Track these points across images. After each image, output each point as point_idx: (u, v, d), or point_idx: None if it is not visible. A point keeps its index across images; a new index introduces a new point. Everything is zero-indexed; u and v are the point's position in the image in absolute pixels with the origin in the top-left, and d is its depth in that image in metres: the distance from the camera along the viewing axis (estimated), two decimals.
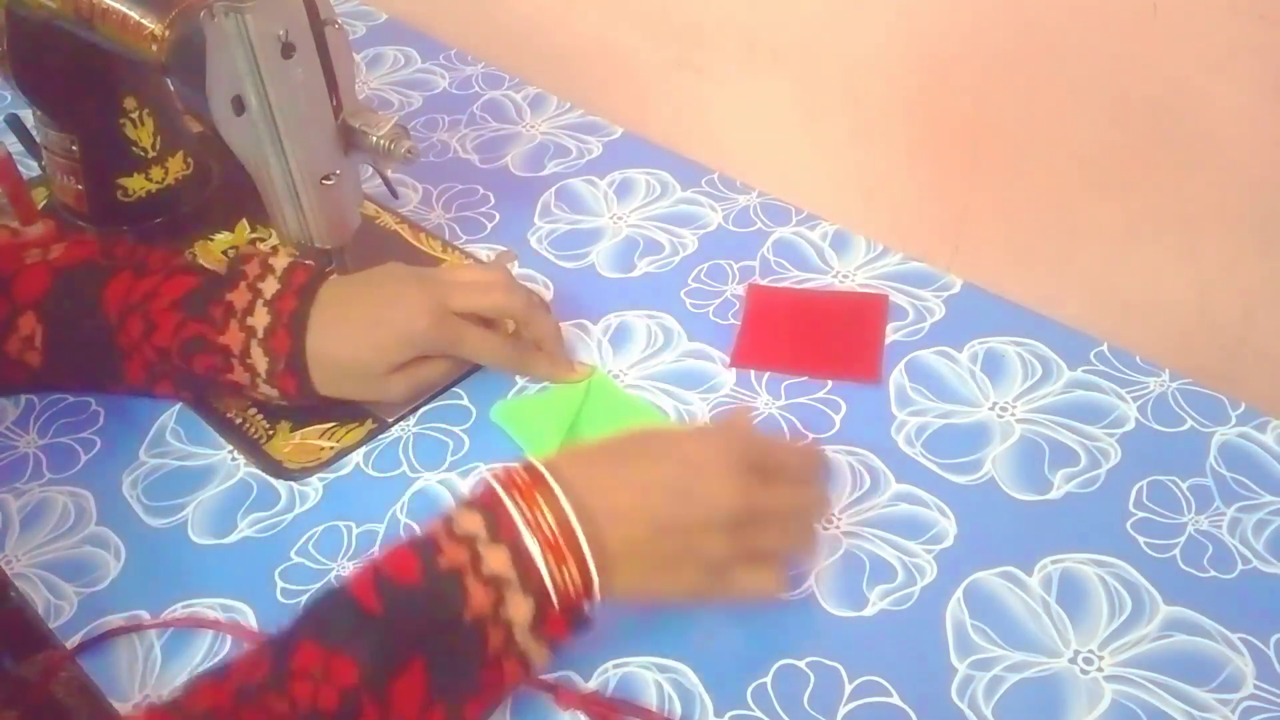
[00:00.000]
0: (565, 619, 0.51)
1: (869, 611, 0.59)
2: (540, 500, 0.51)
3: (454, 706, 0.49)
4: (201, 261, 0.82)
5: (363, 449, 0.69)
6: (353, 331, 0.66)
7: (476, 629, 0.49)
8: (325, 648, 0.47)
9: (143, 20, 0.69)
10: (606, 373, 0.74)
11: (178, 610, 0.60)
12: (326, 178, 0.71)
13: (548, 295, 0.80)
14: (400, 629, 0.48)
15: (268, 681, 0.46)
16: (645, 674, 0.57)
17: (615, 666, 0.57)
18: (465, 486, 0.67)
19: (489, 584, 0.49)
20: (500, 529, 0.50)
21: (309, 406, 0.69)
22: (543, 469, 0.52)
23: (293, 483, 0.67)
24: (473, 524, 0.50)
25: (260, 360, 0.65)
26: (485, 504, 0.51)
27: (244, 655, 0.48)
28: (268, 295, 0.66)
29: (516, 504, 0.51)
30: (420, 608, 0.48)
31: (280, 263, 0.67)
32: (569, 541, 0.50)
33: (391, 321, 0.66)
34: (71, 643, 0.59)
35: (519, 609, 0.49)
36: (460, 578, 0.49)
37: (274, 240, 0.85)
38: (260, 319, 0.65)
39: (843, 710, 0.55)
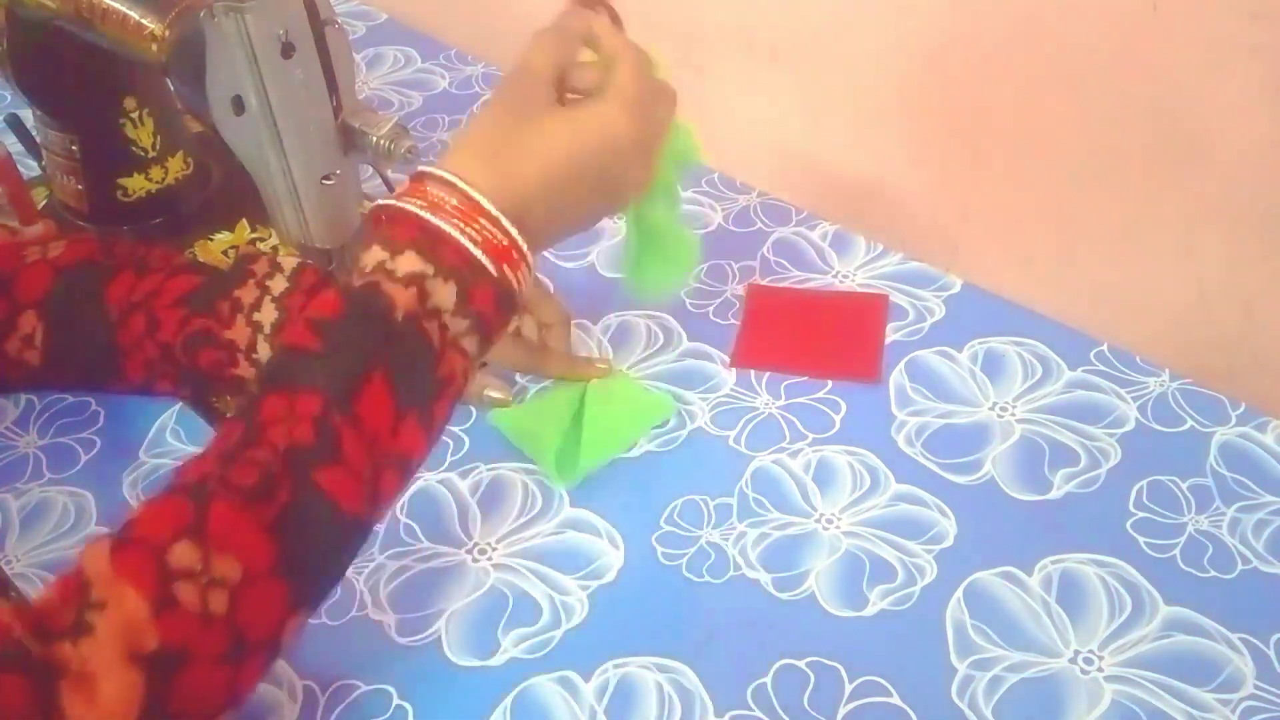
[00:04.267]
0: (491, 290, 0.52)
1: (869, 611, 0.59)
2: (433, 189, 0.52)
3: (424, 411, 0.50)
4: (202, 260, 0.82)
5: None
6: None
7: (411, 324, 0.50)
8: (285, 392, 0.48)
9: (143, 20, 0.69)
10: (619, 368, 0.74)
11: None
12: (326, 178, 0.71)
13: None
14: (346, 352, 0.49)
15: (243, 440, 0.47)
16: (645, 674, 0.57)
17: (615, 666, 0.57)
18: (465, 486, 0.67)
19: (407, 283, 0.50)
20: (398, 232, 0.51)
21: None
22: (431, 170, 0.53)
23: None
24: (374, 255, 0.51)
25: (266, 356, 0.65)
26: (379, 229, 0.52)
27: (216, 434, 0.49)
28: (276, 292, 0.66)
29: (409, 202, 0.52)
30: (354, 327, 0.50)
31: (289, 263, 0.68)
32: (474, 208, 0.52)
33: None
34: None
35: (441, 294, 0.50)
36: (377, 286, 0.50)
37: (274, 240, 0.85)
38: (268, 315, 0.65)
39: (843, 710, 0.55)
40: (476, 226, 0.51)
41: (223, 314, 0.65)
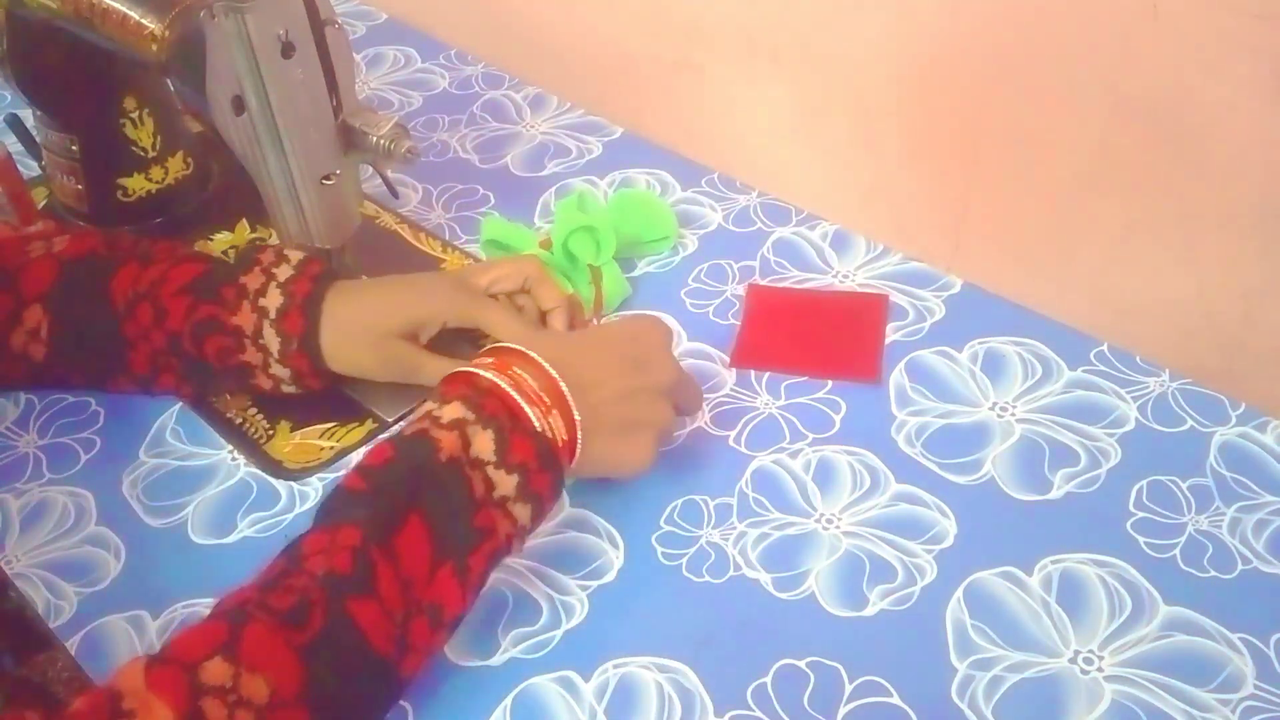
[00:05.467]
0: (529, 442, 0.54)
1: (869, 611, 0.59)
2: (517, 366, 0.56)
3: (461, 563, 0.52)
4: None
5: (363, 449, 0.69)
6: (373, 296, 0.68)
7: (454, 469, 0.52)
8: (327, 527, 0.51)
9: (143, 20, 0.69)
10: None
11: (178, 610, 0.60)
12: (326, 178, 0.71)
13: None
14: (389, 491, 0.52)
15: (285, 570, 0.50)
16: (645, 674, 0.57)
17: (615, 666, 0.57)
18: None
19: (452, 428, 0.53)
20: (453, 387, 0.56)
21: (310, 403, 0.69)
22: (516, 346, 0.57)
23: (293, 483, 0.67)
24: (424, 406, 0.56)
25: (272, 341, 0.65)
26: (452, 388, 0.56)
27: (262, 565, 0.51)
28: (281, 279, 0.66)
29: (487, 369, 0.56)
30: (400, 471, 0.52)
31: (295, 255, 0.68)
32: (553, 393, 0.56)
33: (415, 285, 0.69)
34: (71, 643, 0.59)
35: (482, 442, 0.53)
36: (426, 432, 0.53)
37: (274, 240, 0.85)
38: (273, 300, 0.65)
39: (843, 710, 0.55)
40: (550, 418, 0.56)
41: (228, 300, 0.66)
